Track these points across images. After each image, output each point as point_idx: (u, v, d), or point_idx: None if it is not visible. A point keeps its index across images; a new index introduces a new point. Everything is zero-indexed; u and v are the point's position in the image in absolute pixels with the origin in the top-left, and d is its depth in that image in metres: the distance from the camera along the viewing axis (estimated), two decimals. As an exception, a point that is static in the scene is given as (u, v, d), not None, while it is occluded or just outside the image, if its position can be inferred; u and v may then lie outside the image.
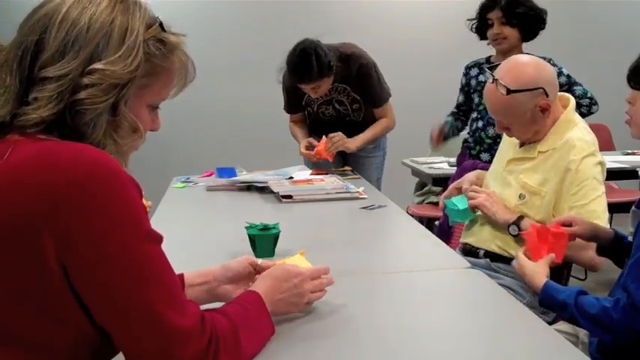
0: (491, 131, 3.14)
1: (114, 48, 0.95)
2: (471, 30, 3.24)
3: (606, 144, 4.59)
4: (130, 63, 0.96)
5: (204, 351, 0.98)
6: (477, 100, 3.24)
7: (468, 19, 3.23)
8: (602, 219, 1.94)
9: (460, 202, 2.16)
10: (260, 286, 1.25)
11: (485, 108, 3.10)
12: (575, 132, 2.04)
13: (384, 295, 1.55)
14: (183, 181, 3.23)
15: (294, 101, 3.47)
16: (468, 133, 3.33)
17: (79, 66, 0.94)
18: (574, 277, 2.39)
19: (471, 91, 3.29)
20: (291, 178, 2.93)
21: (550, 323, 1.99)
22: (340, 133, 3.26)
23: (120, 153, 1.01)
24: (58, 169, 0.91)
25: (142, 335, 0.95)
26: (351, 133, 3.35)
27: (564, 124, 2.07)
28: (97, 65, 0.94)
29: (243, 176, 3.07)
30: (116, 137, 0.99)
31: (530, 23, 3.10)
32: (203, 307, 1.15)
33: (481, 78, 3.22)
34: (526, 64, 2.04)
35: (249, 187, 2.92)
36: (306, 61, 3.05)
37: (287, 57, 3.12)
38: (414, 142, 4.90)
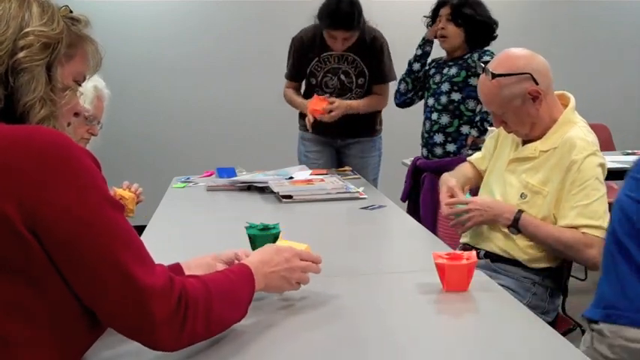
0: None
1: (38, 16, 1.07)
2: (427, 27, 3.28)
3: (606, 144, 4.59)
4: (56, 26, 1.08)
5: (173, 310, 1.03)
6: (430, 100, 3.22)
7: (425, 16, 3.29)
8: (604, 219, 1.94)
9: None
10: (251, 259, 1.31)
11: (428, 108, 3.17)
12: (575, 131, 2.04)
13: (384, 294, 1.55)
14: (183, 181, 3.23)
15: (298, 67, 3.49)
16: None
17: (12, 34, 1.05)
18: (574, 277, 2.39)
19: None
20: (291, 178, 2.93)
21: (550, 323, 1.99)
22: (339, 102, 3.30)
23: (55, 117, 1.08)
24: (16, 144, 0.98)
25: (112, 294, 1.00)
26: (348, 119, 3.38)
27: (565, 123, 2.07)
28: (29, 28, 1.05)
29: (243, 176, 3.07)
30: (53, 96, 1.08)
31: (476, 27, 3.10)
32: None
33: (436, 79, 3.21)
34: (516, 52, 2.09)
35: (249, 187, 2.92)
36: (349, 9, 3.16)
37: (324, 4, 3.22)
38: (414, 142, 4.90)
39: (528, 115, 2.05)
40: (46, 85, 1.06)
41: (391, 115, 3.66)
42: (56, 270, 1.00)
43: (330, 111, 3.28)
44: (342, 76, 3.41)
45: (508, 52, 2.10)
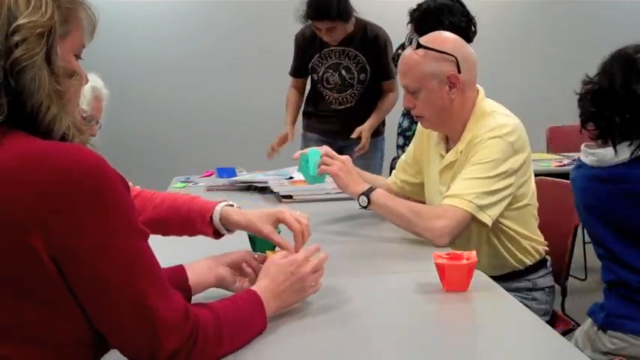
0: None
1: (23, 4, 0.98)
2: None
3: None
4: (45, 11, 0.99)
5: (183, 342, 1.02)
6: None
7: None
8: (475, 197, 1.81)
9: (314, 165, 2.06)
10: (258, 284, 1.30)
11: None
12: (490, 121, 1.92)
13: (384, 295, 1.55)
14: (183, 181, 3.23)
15: (300, 63, 3.52)
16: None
17: (1, 30, 0.97)
18: (573, 276, 2.39)
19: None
20: (291, 178, 2.93)
21: (549, 323, 1.99)
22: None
23: (67, 112, 1.02)
24: (48, 169, 0.94)
25: (130, 327, 0.99)
26: (351, 119, 3.41)
27: (480, 116, 1.96)
28: (19, 22, 0.97)
29: (243, 176, 3.07)
30: (59, 88, 1.01)
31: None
32: (201, 295, 1.19)
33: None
34: (449, 35, 2.01)
35: (249, 187, 2.92)
36: None
37: None
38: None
39: (441, 100, 1.94)
40: (49, 77, 0.99)
41: (394, 116, 3.66)
42: (71, 294, 0.97)
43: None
44: (343, 72, 3.42)
45: (442, 32, 2.03)
